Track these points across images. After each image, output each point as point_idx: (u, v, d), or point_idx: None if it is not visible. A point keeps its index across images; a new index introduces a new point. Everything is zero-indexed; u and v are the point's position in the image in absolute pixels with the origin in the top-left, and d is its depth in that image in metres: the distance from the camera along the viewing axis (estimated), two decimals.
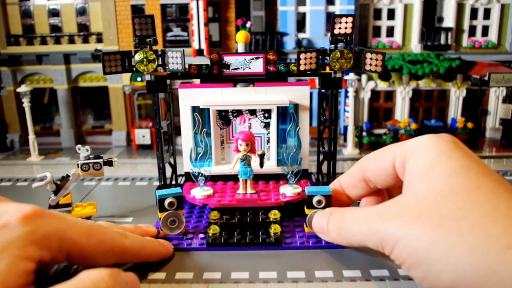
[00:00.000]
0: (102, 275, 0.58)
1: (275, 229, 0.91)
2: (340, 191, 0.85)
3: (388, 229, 0.56)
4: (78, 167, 1.06)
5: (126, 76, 1.90)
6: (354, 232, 0.64)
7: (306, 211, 0.91)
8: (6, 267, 0.55)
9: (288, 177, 1.07)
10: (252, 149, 1.04)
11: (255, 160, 1.03)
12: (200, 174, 1.07)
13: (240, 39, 1.12)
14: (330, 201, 0.89)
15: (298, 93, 1.13)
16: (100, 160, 1.07)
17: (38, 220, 0.61)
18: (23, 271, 0.57)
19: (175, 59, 1.04)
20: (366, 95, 1.93)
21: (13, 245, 0.57)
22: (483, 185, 0.51)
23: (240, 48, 1.13)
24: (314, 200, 0.90)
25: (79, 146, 1.08)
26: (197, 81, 1.16)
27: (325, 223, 0.72)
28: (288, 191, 1.05)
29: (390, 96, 1.98)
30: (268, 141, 1.19)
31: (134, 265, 0.82)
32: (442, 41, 1.89)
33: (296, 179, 1.07)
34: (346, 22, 1.04)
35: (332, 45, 1.06)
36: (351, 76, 1.73)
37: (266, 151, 1.18)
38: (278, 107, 1.14)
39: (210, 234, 0.91)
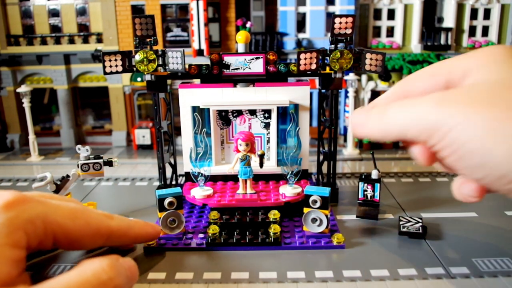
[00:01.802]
0: (103, 265, 0.58)
1: (274, 229, 0.91)
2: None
3: (443, 113, 0.48)
4: (78, 167, 1.06)
5: (126, 76, 1.90)
6: (398, 118, 0.54)
7: (305, 210, 0.92)
8: None
9: (288, 177, 1.07)
10: (252, 149, 1.04)
11: (255, 160, 1.03)
12: (200, 174, 1.07)
13: (240, 39, 1.12)
14: (327, 202, 0.90)
15: (298, 93, 1.13)
16: (100, 160, 1.07)
17: (20, 205, 0.60)
18: (13, 259, 0.56)
19: (175, 59, 1.04)
20: (366, 95, 1.92)
21: None
22: None
23: (240, 48, 1.13)
24: (310, 199, 0.91)
25: (79, 146, 1.08)
26: (197, 81, 1.16)
27: (369, 108, 0.60)
28: (288, 191, 1.05)
29: None
30: (268, 141, 1.19)
31: None
32: (442, 41, 1.88)
33: (296, 179, 1.08)
34: (346, 22, 1.04)
35: (332, 45, 1.06)
36: (351, 76, 1.73)
37: (266, 151, 1.18)
38: (278, 107, 1.14)
39: (210, 234, 0.91)
